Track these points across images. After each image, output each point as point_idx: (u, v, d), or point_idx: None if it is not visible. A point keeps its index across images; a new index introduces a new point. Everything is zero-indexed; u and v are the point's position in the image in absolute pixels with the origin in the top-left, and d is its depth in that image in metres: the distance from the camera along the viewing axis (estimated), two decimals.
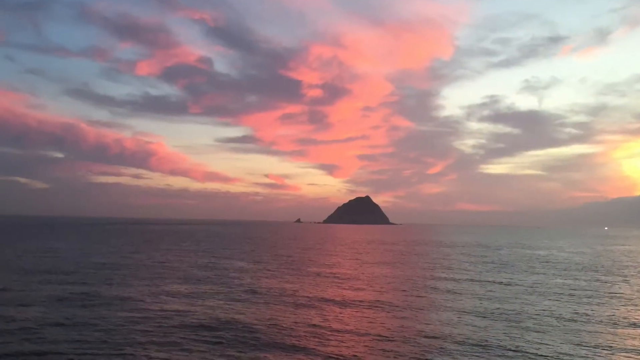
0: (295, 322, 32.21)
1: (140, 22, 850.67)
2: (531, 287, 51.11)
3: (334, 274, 60.74)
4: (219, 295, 41.77)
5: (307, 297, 42.33)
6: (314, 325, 31.50)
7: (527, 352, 26.06)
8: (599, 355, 25.92)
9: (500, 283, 53.71)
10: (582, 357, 25.56)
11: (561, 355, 25.62)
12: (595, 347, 27.63)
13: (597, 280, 59.03)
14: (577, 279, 59.74)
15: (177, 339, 27.29)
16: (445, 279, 56.82)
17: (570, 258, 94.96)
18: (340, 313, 35.91)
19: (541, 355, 25.52)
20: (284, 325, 31.12)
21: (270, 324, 31.35)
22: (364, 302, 40.53)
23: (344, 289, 47.89)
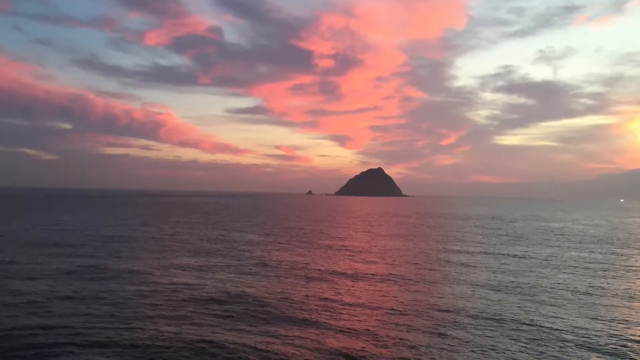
0: (307, 296, 31.88)
1: None
2: (546, 260, 50.47)
3: (346, 246, 60.41)
4: (229, 269, 41.55)
5: (319, 270, 42.01)
6: (326, 299, 31.16)
7: (541, 326, 25.54)
8: (615, 329, 25.35)
9: (515, 256, 53.09)
10: (598, 331, 25.00)
11: (576, 329, 25.08)
12: (611, 320, 27.08)
13: (613, 253, 58.24)
14: (592, 251, 58.98)
15: (186, 312, 27.03)
16: (459, 251, 56.31)
17: (585, 230, 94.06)
18: (352, 286, 35.53)
19: (556, 329, 24.98)
20: (295, 299, 30.79)
21: (281, 298, 31.04)
22: (376, 275, 40.13)
23: (356, 262, 47.52)
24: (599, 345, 22.70)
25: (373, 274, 40.40)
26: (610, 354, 21.64)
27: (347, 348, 21.72)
